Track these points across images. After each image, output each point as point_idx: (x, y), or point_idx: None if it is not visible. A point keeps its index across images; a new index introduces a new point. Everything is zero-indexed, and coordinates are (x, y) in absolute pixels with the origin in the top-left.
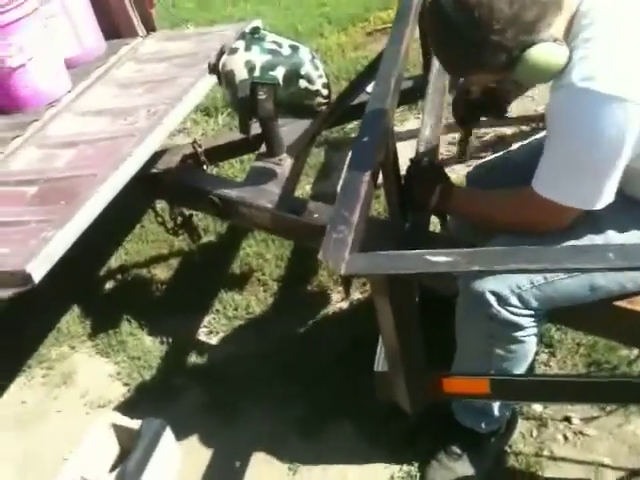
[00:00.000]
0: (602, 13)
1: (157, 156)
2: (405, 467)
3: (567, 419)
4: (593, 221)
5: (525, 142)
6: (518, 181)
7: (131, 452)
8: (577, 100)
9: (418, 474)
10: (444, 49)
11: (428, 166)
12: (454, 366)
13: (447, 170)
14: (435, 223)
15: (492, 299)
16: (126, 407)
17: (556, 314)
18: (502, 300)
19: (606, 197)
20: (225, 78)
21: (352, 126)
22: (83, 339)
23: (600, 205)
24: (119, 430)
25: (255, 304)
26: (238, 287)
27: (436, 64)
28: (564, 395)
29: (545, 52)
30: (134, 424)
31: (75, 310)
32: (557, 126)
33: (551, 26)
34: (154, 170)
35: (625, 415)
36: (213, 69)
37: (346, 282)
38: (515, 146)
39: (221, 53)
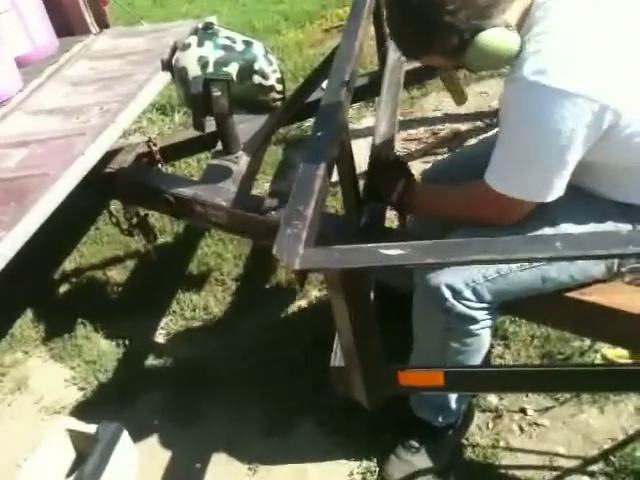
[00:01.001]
0: (557, 7)
1: (111, 155)
2: (365, 463)
3: (522, 410)
4: (547, 214)
5: (481, 137)
6: (475, 177)
7: (88, 457)
8: (528, 94)
9: (377, 469)
10: (399, 29)
11: (393, 161)
12: (411, 360)
13: None
14: (391, 219)
15: (447, 293)
16: (82, 412)
17: (509, 306)
18: (457, 294)
19: (556, 191)
20: (178, 75)
21: (309, 124)
22: (37, 344)
23: (550, 198)
24: (75, 435)
25: (214, 304)
26: (196, 287)
27: (391, 60)
28: (517, 385)
29: (496, 37)
30: (90, 428)
31: (28, 314)
32: (508, 120)
33: (505, 13)
34: (108, 169)
35: (578, 405)
36: (166, 66)
37: (300, 277)
38: (472, 142)
39: (174, 49)
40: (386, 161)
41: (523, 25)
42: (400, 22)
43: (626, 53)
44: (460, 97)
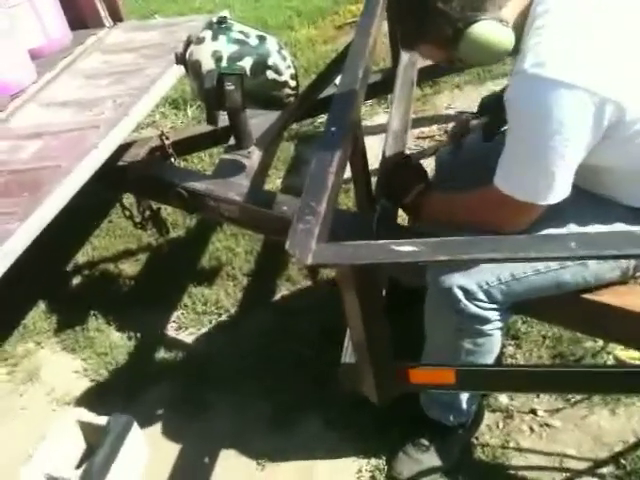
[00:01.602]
0: (558, 2)
1: (124, 148)
2: (373, 460)
3: (533, 411)
4: (556, 218)
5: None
6: (480, 171)
7: (98, 448)
8: (527, 86)
9: (386, 467)
10: (398, 14)
11: (415, 164)
12: (422, 359)
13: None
14: (403, 217)
15: (460, 294)
16: (93, 403)
17: (522, 306)
18: (470, 295)
19: (559, 191)
20: (192, 68)
21: (322, 120)
22: (49, 335)
23: (553, 199)
24: (85, 426)
25: (225, 298)
26: (207, 282)
27: (404, 57)
28: (528, 385)
29: (488, 30)
30: (100, 420)
31: (41, 306)
32: (511, 115)
33: (501, 9)
34: (121, 163)
35: (589, 407)
36: (180, 59)
37: (312, 273)
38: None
39: (188, 43)
40: (407, 163)
41: (525, 22)
42: (400, 9)
43: (628, 51)
44: None
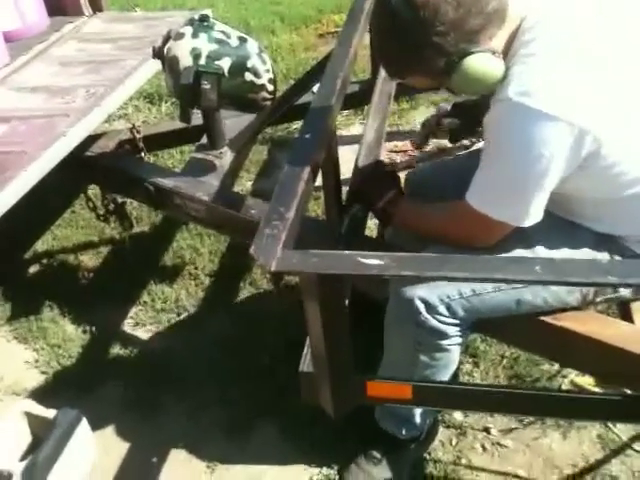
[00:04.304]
0: (545, 31)
1: (93, 139)
2: (325, 470)
3: (486, 429)
4: (524, 237)
5: (470, 150)
6: (459, 188)
7: (43, 442)
8: (511, 114)
9: (337, 477)
10: (386, 46)
11: (388, 171)
12: (380, 370)
13: None
14: (371, 228)
15: (421, 306)
16: (42, 396)
17: (482, 325)
18: (431, 308)
19: (534, 215)
20: (168, 64)
21: (297, 126)
22: (1, 323)
23: (528, 223)
24: (33, 419)
25: (185, 298)
26: (169, 279)
27: (384, 71)
28: (484, 404)
29: (482, 62)
30: (49, 413)
31: None
32: (491, 139)
33: (492, 39)
34: (88, 153)
35: (542, 429)
36: (158, 53)
37: (276, 279)
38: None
39: (167, 38)
40: (382, 170)
41: (510, 48)
42: (387, 38)
43: (612, 81)
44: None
